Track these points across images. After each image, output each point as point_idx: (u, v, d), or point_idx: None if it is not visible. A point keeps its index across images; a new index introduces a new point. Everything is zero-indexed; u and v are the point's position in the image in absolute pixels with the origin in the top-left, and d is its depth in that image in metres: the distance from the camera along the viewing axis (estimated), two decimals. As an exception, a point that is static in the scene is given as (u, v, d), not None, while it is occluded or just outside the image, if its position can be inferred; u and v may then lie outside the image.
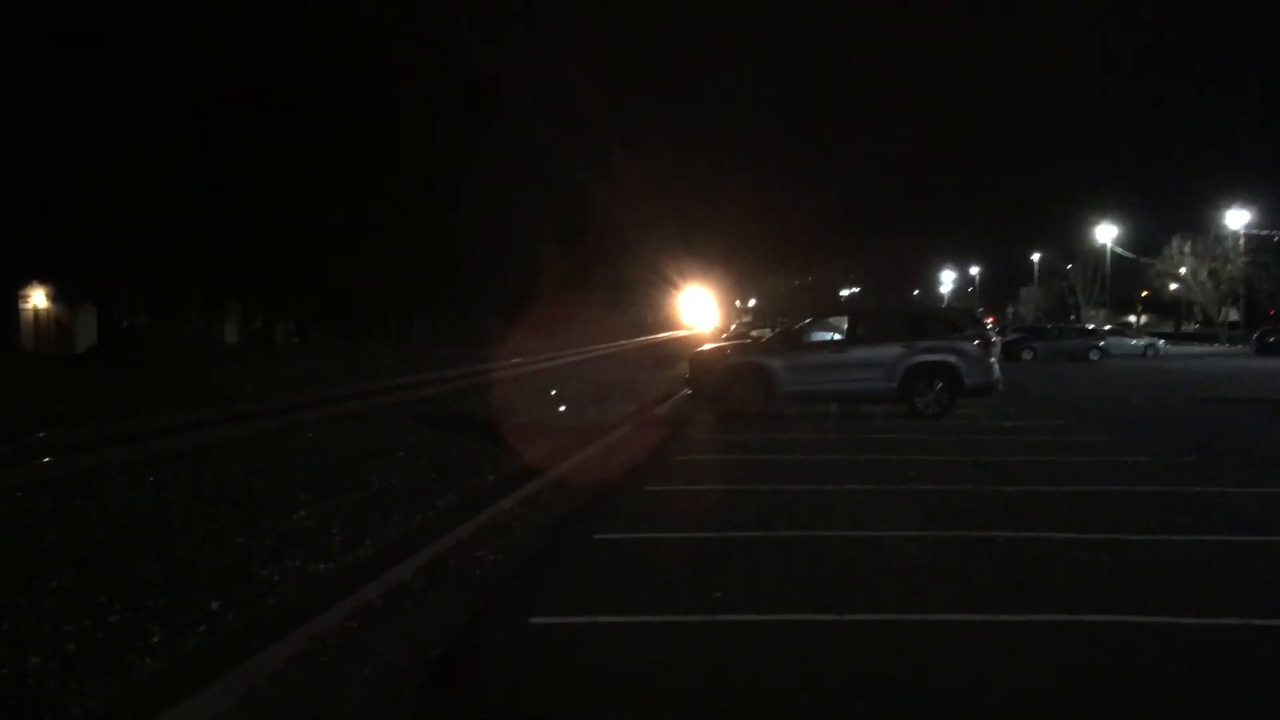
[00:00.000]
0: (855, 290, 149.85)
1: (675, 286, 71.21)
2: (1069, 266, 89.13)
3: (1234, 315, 70.63)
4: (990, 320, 50.11)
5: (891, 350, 17.57)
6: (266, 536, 7.97)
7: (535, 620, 6.07)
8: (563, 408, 19.57)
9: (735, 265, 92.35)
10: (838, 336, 18.29)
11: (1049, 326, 55.09)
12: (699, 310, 70.77)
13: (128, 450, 12.03)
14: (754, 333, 43.44)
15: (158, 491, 9.84)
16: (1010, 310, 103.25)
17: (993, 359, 17.84)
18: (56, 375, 26.77)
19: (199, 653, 5.40)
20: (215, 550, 7.54)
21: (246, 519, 8.58)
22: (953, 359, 17.42)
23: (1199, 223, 70.23)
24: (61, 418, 16.07)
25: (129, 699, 4.78)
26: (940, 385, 17.41)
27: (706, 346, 21.86)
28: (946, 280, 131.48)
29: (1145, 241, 76.73)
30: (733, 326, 79.89)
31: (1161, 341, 54.31)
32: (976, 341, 17.73)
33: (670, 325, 78.12)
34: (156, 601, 6.22)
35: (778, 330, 21.10)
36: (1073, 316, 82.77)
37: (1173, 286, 75.61)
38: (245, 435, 14.03)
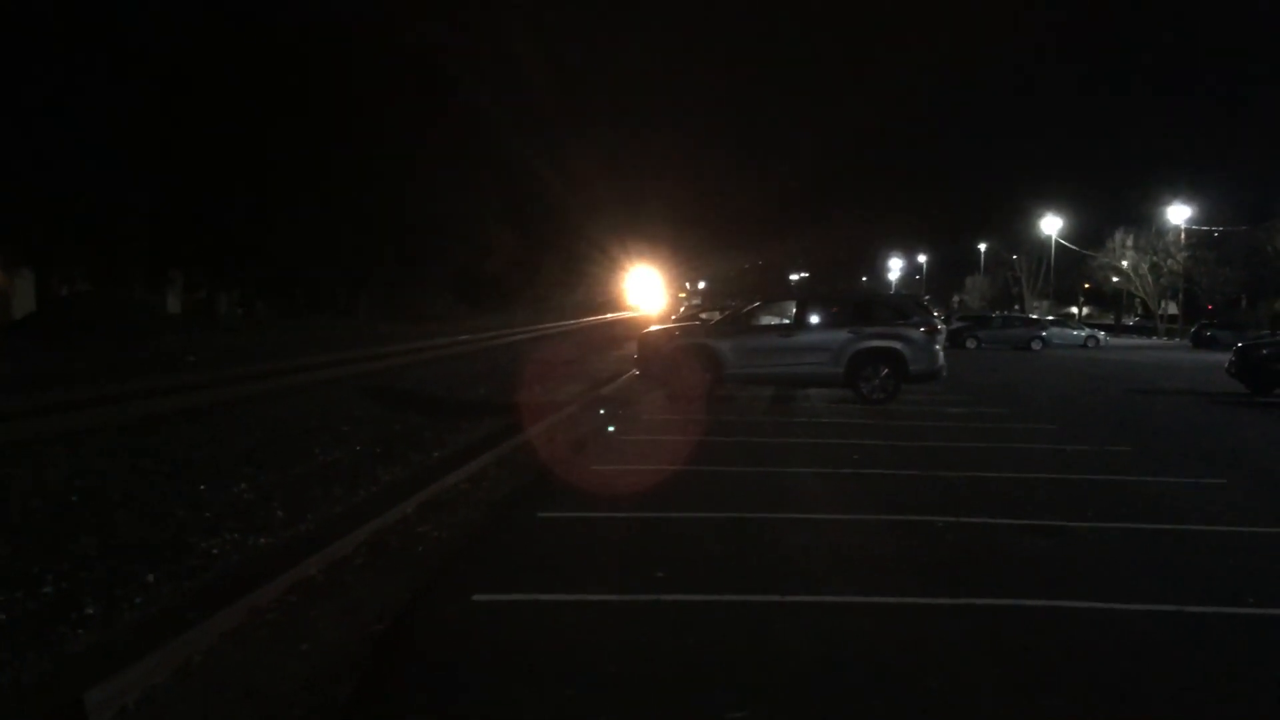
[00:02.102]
0: (804, 275, 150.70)
1: (624, 268, 71.19)
2: (1014, 257, 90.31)
3: (1173, 309, 72.01)
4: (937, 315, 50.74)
5: (839, 335, 17.68)
6: (205, 509, 7.87)
7: (478, 597, 6.05)
8: (511, 386, 19.48)
9: (685, 248, 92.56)
10: (786, 321, 18.37)
11: (993, 316, 55.79)
12: (648, 291, 70.81)
13: (64, 420, 11.80)
14: (703, 315, 43.43)
15: (94, 463, 9.66)
16: (956, 299, 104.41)
17: (938, 346, 18.00)
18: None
19: (134, 625, 5.33)
20: (153, 523, 7.43)
21: (185, 492, 8.46)
22: (898, 345, 17.56)
23: (1141, 217, 71.60)
24: (-5, 386, 15.73)
25: (61, 671, 4.71)
26: (886, 371, 17.55)
27: (655, 328, 21.85)
28: (894, 267, 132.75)
29: (1089, 234, 78.13)
30: (681, 308, 79.99)
31: (1102, 333, 55.24)
32: (922, 329, 17.88)
33: (619, 306, 78.08)
34: (91, 573, 6.12)
35: (726, 313, 21.13)
36: (1017, 306, 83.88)
37: (1114, 279, 76.90)
38: (185, 407, 13.82)
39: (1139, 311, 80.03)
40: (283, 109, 39.58)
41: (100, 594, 5.74)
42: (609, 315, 67.01)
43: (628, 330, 40.34)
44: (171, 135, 35.74)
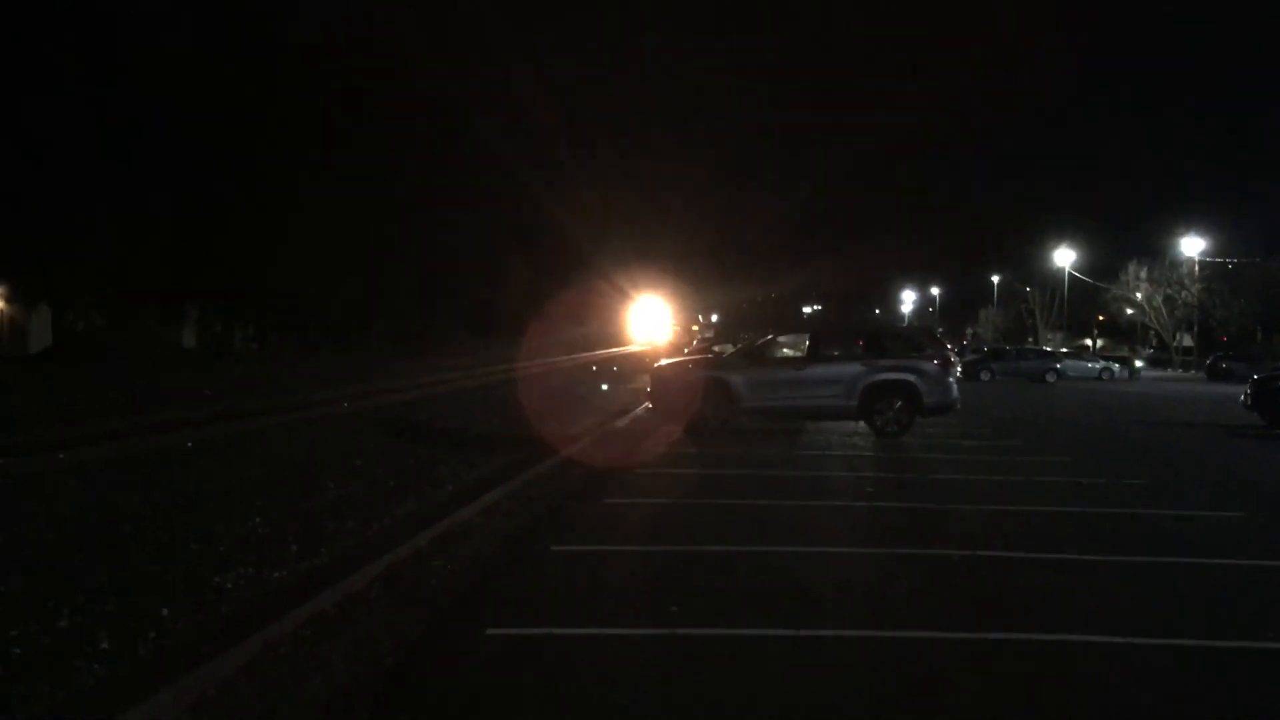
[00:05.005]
0: (817, 307, 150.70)
1: (636, 300, 71.19)
2: (1028, 289, 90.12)
3: (1188, 341, 71.64)
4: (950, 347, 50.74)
5: (852, 368, 17.65)
6: (220, 543, 7.86)
7: (491, 631, 6.04)
8: (523, 419, 19.47)
9: (697, 280, 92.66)
10: (799, 353, 18.36)
11: (1007, 348, 55.65)
12: (660, 324, 70.77)
13: (78, 454, 11.83)
14: (715, 348, 43.44)
15: (109, 496, 9.67)
16: (969, 331, 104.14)
17: (951, 379, 17.95)
18: (7, 376, 26.32)
19: (148, 660, 5.32)
20: (167, 556, 7.42)
21: (200, 525, 8.45)
22: (912, 378, 17.51)
23: (1155, 249, 71.42)
24: (10, 419, 15.78)
25: (75, 706, 4.70)
26: (899, 404, 17.49)
27: (667, 361, 21.86)
28: (907, 300, 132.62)
29: (1103, 266, 77.94)
30: (694, 341, 79.93)
31: (1117, 365, 55.03)
32: (936, 361, 17.84)
33: (630, 339, 78.11)
34: (106, 607, 6.11)
35: (739, 346, 21.11)
36: (1030, 339, 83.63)
37: (1129, 311, 76.64)
38: (200, 440, 13.85)
39: (1154, 344, 79.67)
40: (295, 144, 39.90)
41: (114, 627, 5.73)
42: (621, 348, 66.95)
43: (639, 364, 40.36)
44: (185, 170, 36.05)
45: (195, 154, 36.06)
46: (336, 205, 42.53)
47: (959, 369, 19.72)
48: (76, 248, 33.80)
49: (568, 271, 67.89)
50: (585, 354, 54.62)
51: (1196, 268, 67.98)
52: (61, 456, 11.54)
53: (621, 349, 65.11)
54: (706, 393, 17.73)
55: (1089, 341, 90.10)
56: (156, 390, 22.70)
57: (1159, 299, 70.34)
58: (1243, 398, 22.14)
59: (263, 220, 39.56)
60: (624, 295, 71.05)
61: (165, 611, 6.08)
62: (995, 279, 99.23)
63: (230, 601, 6.45)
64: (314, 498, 10.02)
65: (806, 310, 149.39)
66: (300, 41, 38.08)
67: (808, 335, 18.91)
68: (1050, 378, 46.21)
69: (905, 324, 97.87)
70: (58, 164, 31.39)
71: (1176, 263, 69.44)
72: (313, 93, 40.25)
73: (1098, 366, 52.41)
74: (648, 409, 19.81)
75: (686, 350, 52.95)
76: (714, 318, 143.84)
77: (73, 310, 41.09)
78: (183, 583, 6.73)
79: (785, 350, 18.84)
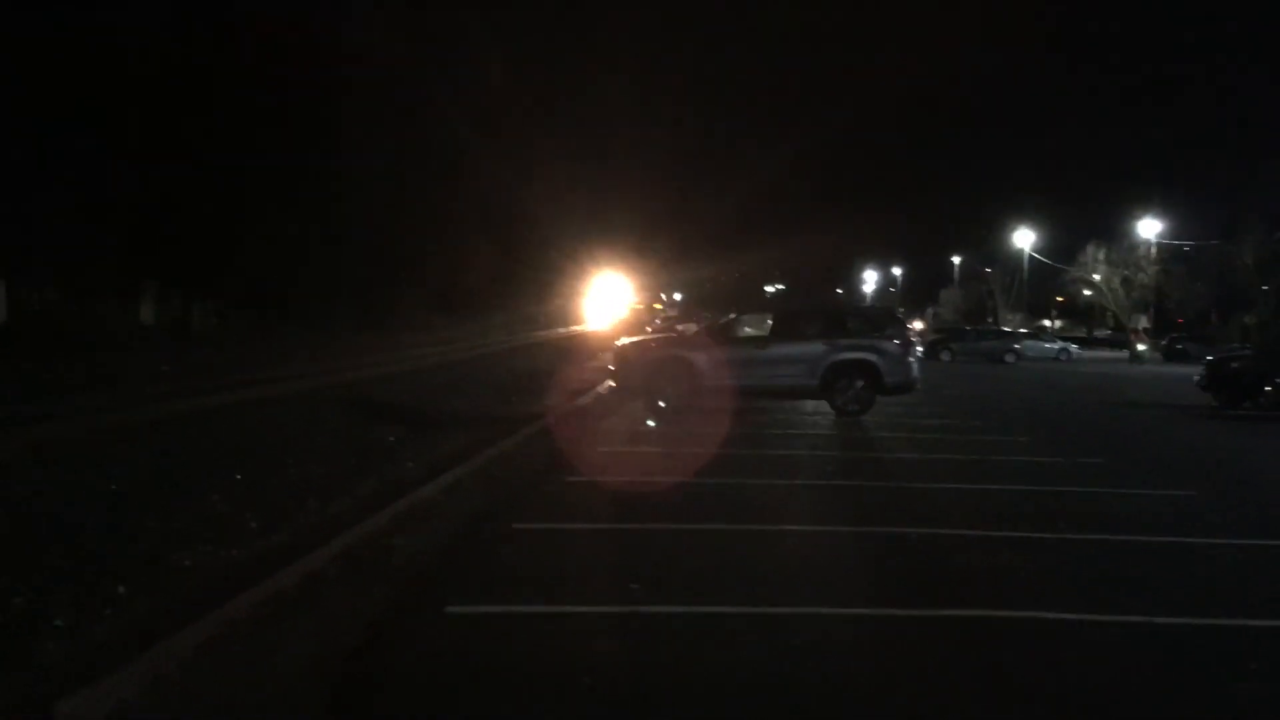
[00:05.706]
0: (780, 287, 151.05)
1: (598, 279, 71.07)
2: (988, 270, 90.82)
3: (1144, 322, 72.47)
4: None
5: (814, 347, 17.73)
6: (178, 521, 7.79)
7: (452, 609, 6.04)
8: (485, 398, 19.41)
9: (660, 259, 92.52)
10: (762, 333, 18.42)
11: (968, 329, 56.15)
12: (622, 303, 70.73)
13: (31, 432, 11.67)
14: (679, 327, 43.49)
15: (65, 475, 9.56)
16: (930, 311, 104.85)
17: (912, 358, 18.10)
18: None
19: (105, 639, 5.27)
20: (124, 535, 7.35)
21: (158, 503, 8.38)
22: (873, 357, 17.63)
23: (1114, 231, 72.09)
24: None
25: (29, 685, 4.66)
26: (861, 383, 17.60)
27: (630, 339, 21.85)
28: (869, 280, 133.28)
29: (1062, 248, 78.63)
30: (657, 320, 79.93)
31: (1074, 346, 55.64)
32: (897, 341, 17.97)
33: (593, 317, 78.06)
34: (61, 586, 6.05)
35: (702, 325, 21.17)
36: (991, 319, 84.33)
37: (1087, 293, 77.42)
38: (158, 418, 13.70)
39: (1111, 325, 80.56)
40: (257, 121, 39.40)
41: (70, 607, 5.68)
42: (584, 327, 66.83)
43: (602, 342, 40.34)
44: (143, 145, 35.53)
45: (152, 132, 35.50)
46: (299, 183, 42.05)
47: (920, 348, 19.87)
48: (32, 224, 33.21)
49: (531, 250, 67.64)
50: (548, 331, 54.56)
51: (1154, 250, 68.70)
52: (14, 435, 11.38)
53: (584, 327, 65.06)
54: (669, 372, 17.77)
55: (1047, 322, 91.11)
56: (114, 367, 22.40)
57: (1117, 280, 71.08)
58: (1197, 379, 22.47)
59: (222, 198, 39.03)
60: (587, 273, 70.94)
61: (122, 590, 6.03)
62: (956, 260, 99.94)
63: (189, 580, 6.41)
64: (274, 476, 9.95)
65: (769, 289, 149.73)
66: (258, 21, 37.56)
67: (770, 315, 18.98)
68: (1009, 358, 46.70)
69: (867, 304, 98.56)
70: (10, 141, 30.81)
71: (1134, 245, 70.14)
72: (272, 71, 39.71)
73: (1055, 347, 53.04)
74: (610, 387, 19.81)
75: (649, 328, 52.96)
76: (677, 296, 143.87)
77: (27, 286, 40.42)
78: (140, 561, 6.67)
79: (748, 329, 18.89)
